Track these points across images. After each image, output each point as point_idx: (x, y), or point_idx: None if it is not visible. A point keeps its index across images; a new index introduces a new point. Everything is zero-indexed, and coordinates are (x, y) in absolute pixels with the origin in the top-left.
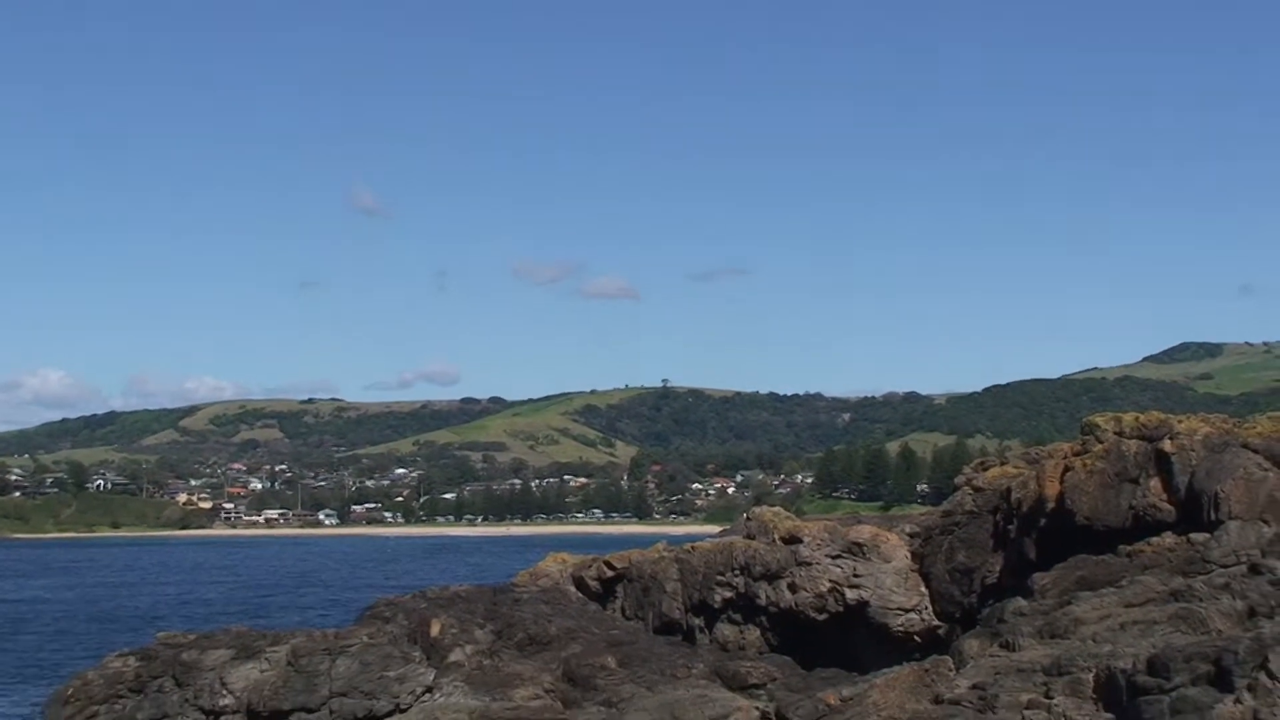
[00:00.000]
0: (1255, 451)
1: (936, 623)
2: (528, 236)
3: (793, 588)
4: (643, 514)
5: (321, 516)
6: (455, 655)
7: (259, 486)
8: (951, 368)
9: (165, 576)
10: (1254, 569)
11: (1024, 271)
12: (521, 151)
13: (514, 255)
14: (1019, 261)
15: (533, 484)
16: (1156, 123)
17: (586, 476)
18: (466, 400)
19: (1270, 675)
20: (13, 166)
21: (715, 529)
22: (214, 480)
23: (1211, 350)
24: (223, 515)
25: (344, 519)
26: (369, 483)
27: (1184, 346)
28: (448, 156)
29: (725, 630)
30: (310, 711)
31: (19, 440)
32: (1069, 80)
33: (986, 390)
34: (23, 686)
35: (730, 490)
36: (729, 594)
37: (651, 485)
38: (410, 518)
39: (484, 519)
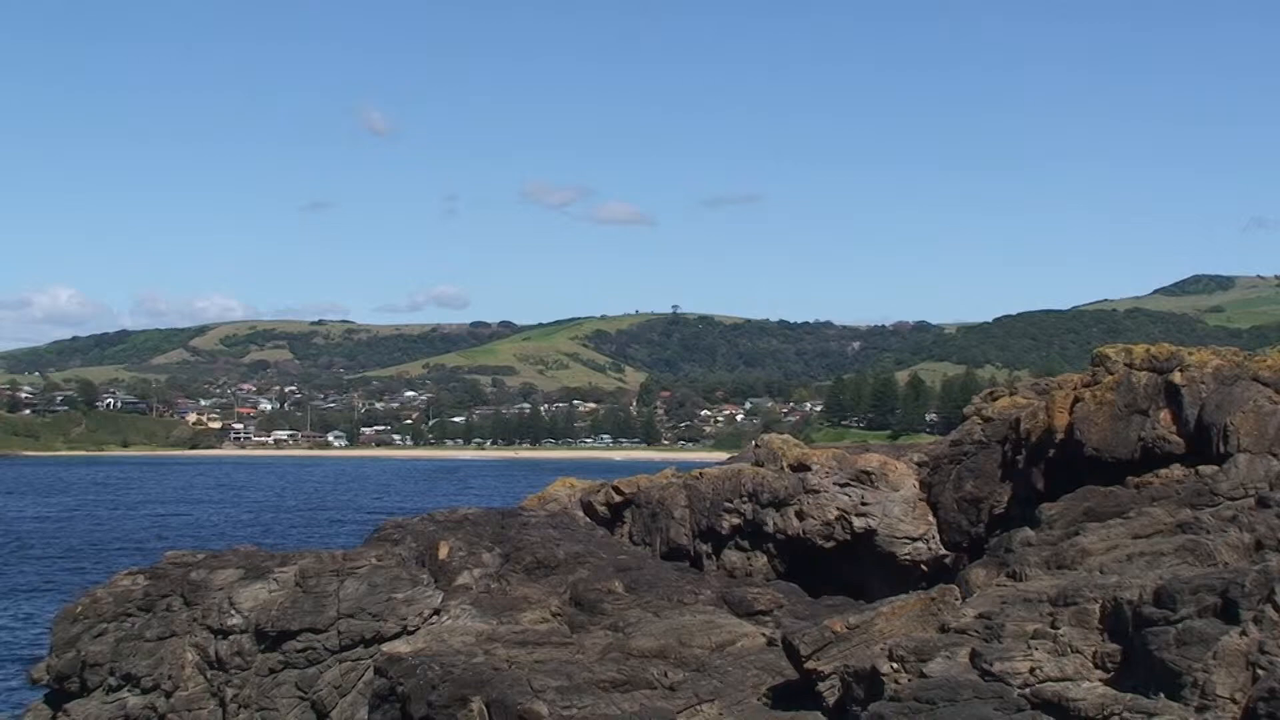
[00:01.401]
0: (1265, 385)
1: (943, 552)
2: (538, 160)
3: (800, 515)
4: (651, 440)
5: (330, 438)
6: (463, 578)
7: (268, 407)
8: (962, 298)
9: (175, 495)
10: (1262, 502)
11: (1035, 203)
12: (533, 75)
13: (524, 178)
14: (1031, 193)
15: (542, 409)
16: (1171, 59)
17: (595, 402)
18: (476, 324)
19: (1276, 608)
20: (24, 88)
21: (723, 456)
22: (223, 400)
23: (1222, 283)
24: (232, 435)
25: (353, 441)
26: (378, 405)
27: (1195, 279)
28: (459, 79)
29: (732, 557)
30: (318, 632)
31: (29, 358)
32: (1074, 24)
33: (996, 320)
34: (33, 602)
35: (739, 417)
36: (736, 521)
37: (660, 411)
38: (419, 440)
39: (493, 443)
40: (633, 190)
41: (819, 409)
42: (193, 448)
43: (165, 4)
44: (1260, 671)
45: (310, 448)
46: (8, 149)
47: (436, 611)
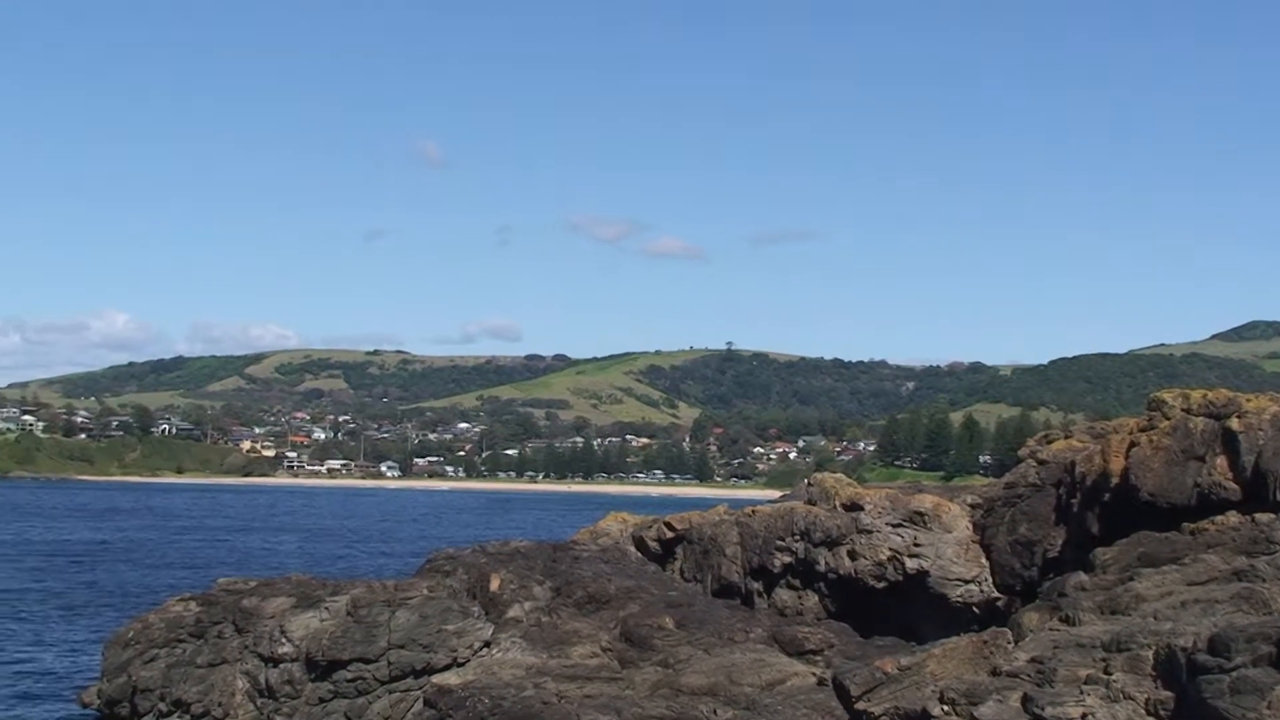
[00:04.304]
0: None
1: (996, 595)
2: (589, 193)
3: (852, 555)
4: (704, 476)
5: (383, 468)
6: (514, 611)
7: (322, 436)
8: (1017, 339)
9: (227, 522)
10: None
11: (1093, 246)
12: (586, 109)
13: (575, 211)
14: (1089, 236)
15: (595, 442)
16: (1226, 102)
17: (649, 437)
18: (531, 357)
19: None
20: (85, 114)
21: (776, 493)
22: (278, 428)
23: None
24: (285, 464)
25: (406, 471)
26: (431, 436)
27: (1253, 325)
28: (513, 110)
29: (784, 595)
30: (368, 662)
31: (86, 382)
32: (1140, 60)
33: (1052, 363)
34: (84, 627)
35: (792, 455)
36: (788, 559)
37: (713, 447)
38: (472, 472)
39: (545, 476)
40: (684, 225)
41: (872, 448)
42: (246, 475)
43: (222, 36)
44: None
45: (363, 477)
46: (67, 174)
47: (487, 644)
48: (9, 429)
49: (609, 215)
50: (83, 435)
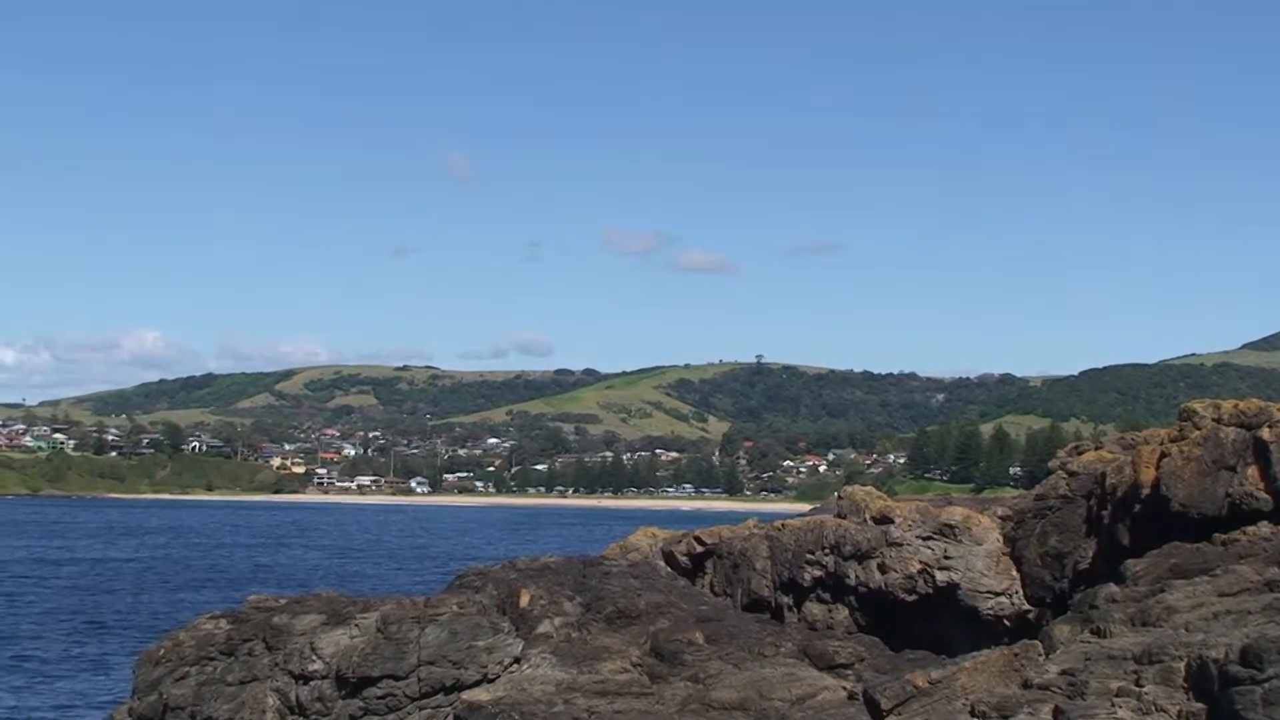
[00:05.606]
0: None
1: (1027, 607)
2: (620, 208)
3: (882, 568)
4: (734, 490)
5: (413, 484)
6: (544, 627)
7: (352, 452)
8: (1047, 350)
9: (257, 539)
10: None
11: (1124, 256)
12: (615, 123)
13: (605, 226)
14: (1119, 246)
15: (624, 457)
16: (1259, 108)
17: (678, 451)
18: (560, 371)
19: None
20: (111, 131)
21: (806, 507)
22: (308, 445)
23: None
24: (315, 480)
25: (436, 487)
26: (461, 451)
27: None
28: (541, 125)
29: (814, 609)
30: (398, 679)
31: (116, 400)
32: (1174, 66)
33: (1083, 374)
34: (112, 646)
35: (822, 468)
36: (818, 573)
37: (743, 461)
38: (501, 487)
39: (575, 491)
40: (714, 239)
41: (902, 461)
42: (276, 492)
43: (252, 51)
44: None
45: (393, 493)
46: (95, 194)
47: (517, 660)
48: (40, 447)
49: (638, 229)
50: (113, 453)
